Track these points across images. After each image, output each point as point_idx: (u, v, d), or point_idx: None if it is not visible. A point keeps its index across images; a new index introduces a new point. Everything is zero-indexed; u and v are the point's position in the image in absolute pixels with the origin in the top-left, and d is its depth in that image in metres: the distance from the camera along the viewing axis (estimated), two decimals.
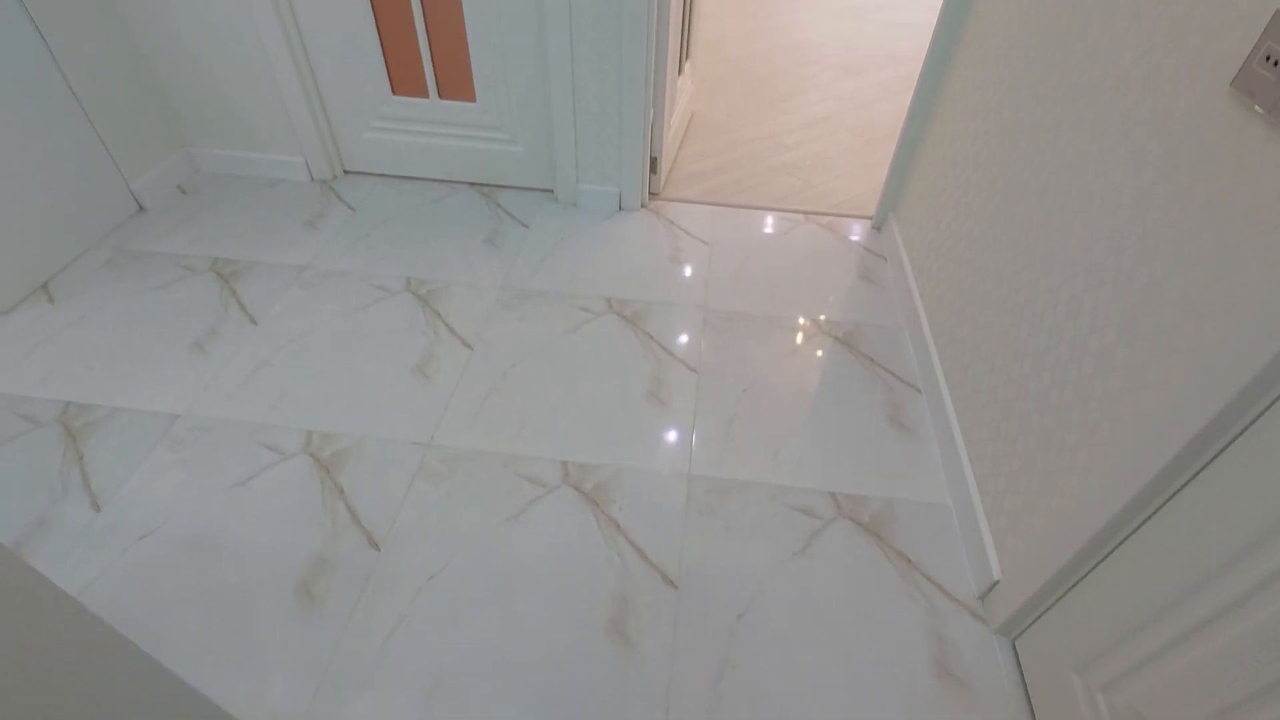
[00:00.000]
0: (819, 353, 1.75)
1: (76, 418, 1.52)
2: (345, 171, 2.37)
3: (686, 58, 2.47)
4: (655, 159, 2.22)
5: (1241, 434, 0.74)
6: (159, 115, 2.17)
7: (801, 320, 1.84)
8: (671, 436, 1.53)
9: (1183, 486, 0.82)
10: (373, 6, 1.96)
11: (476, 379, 1.65)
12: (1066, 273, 1.09)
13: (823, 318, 1.85)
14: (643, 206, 2.26)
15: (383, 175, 2.37)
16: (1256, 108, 0.74)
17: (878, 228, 2.20)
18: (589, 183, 2.21)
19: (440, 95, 2.14)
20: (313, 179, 2.33)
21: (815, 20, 3.84)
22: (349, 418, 1.55)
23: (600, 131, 2.08)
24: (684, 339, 1.77)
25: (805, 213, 2.26)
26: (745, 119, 2.81)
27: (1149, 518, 0.87)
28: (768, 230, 2.18)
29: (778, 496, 1.41)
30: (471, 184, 2.35)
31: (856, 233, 2.18)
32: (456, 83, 2.11)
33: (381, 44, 2.05)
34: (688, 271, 2.00)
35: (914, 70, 3.28)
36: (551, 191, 2.31)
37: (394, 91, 2.15)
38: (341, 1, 1.95)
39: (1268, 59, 0.73)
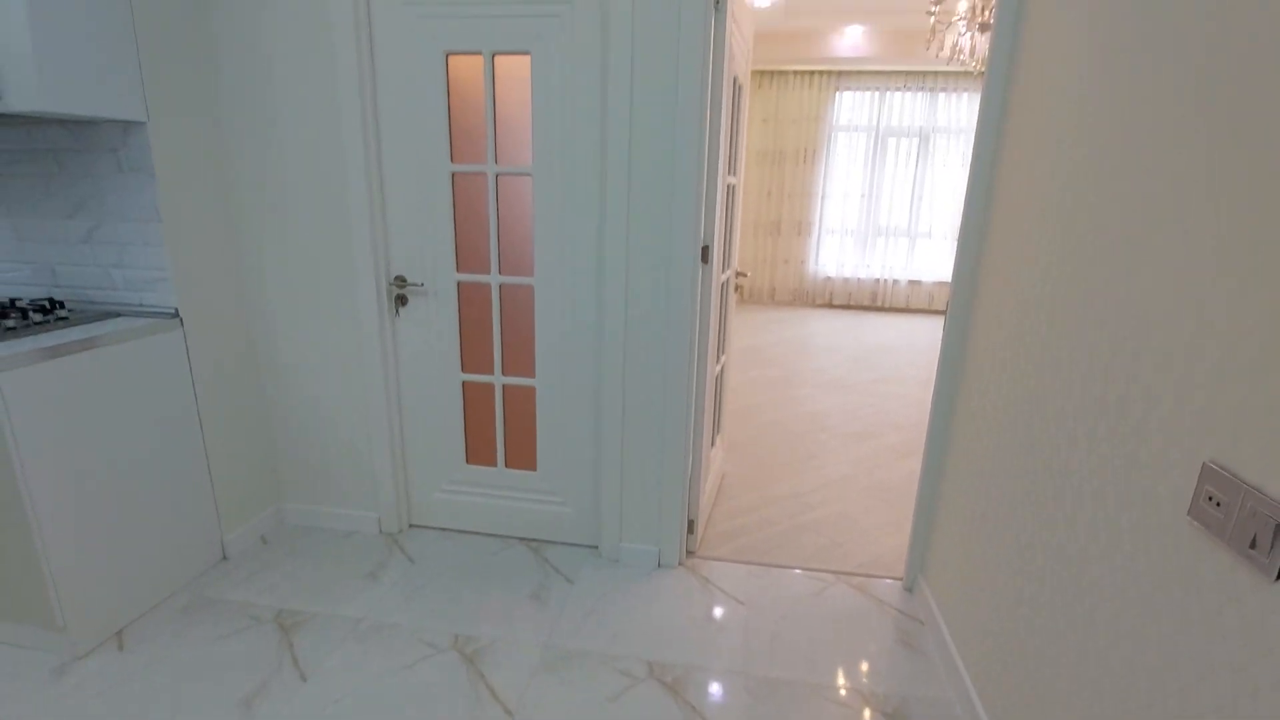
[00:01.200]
0: None
1: None
2: (410, 525, 2.61)
3: (718, 431, 2.88)
4: (692, 520, 2.44)
5: None
6: (265, 472, 2.51)
7: (845, 692, 1.82)
8: None
9: None
10: (463, 392, 2.42)
11: None
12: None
13: (867, 689, 1.83)
14: (680, 565, 2.40)
15: (443, 529, 2.59)
16: (1210, 532, 0.93)
17: (909, 589, 2.29)
18: (631, 541, 2.40)
19: (507, 465, 2.48)
20: (381, 531, 2.55)
21: (821, 394, 4.45)
22: None
23: (643, 495, 2.34)
24: (727, 710, 1.74)
25: (835, 572, 2.38)
26: (770, 480, 3.11)
27: None
28: (802, 590, 2.27)
29: None
30: (523, 539, 2.55)
31: (888, 594, 2.26)
32: (522, 455, 2.46)
33: (465, 424, 2.46)
34: (726, 634, 2.05)
35: (913, 436, 3.69)
36: (596, 548, 2.49)
37: (468, 460, 2.50)
38: (438, 389, 2.42)
39: (1209, 499, 0.94)
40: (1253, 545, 0.85)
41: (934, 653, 1.98)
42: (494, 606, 2.15)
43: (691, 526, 2.45)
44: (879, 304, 7.46)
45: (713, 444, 2.74)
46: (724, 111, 2.10)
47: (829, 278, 7.48)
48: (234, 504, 2.37)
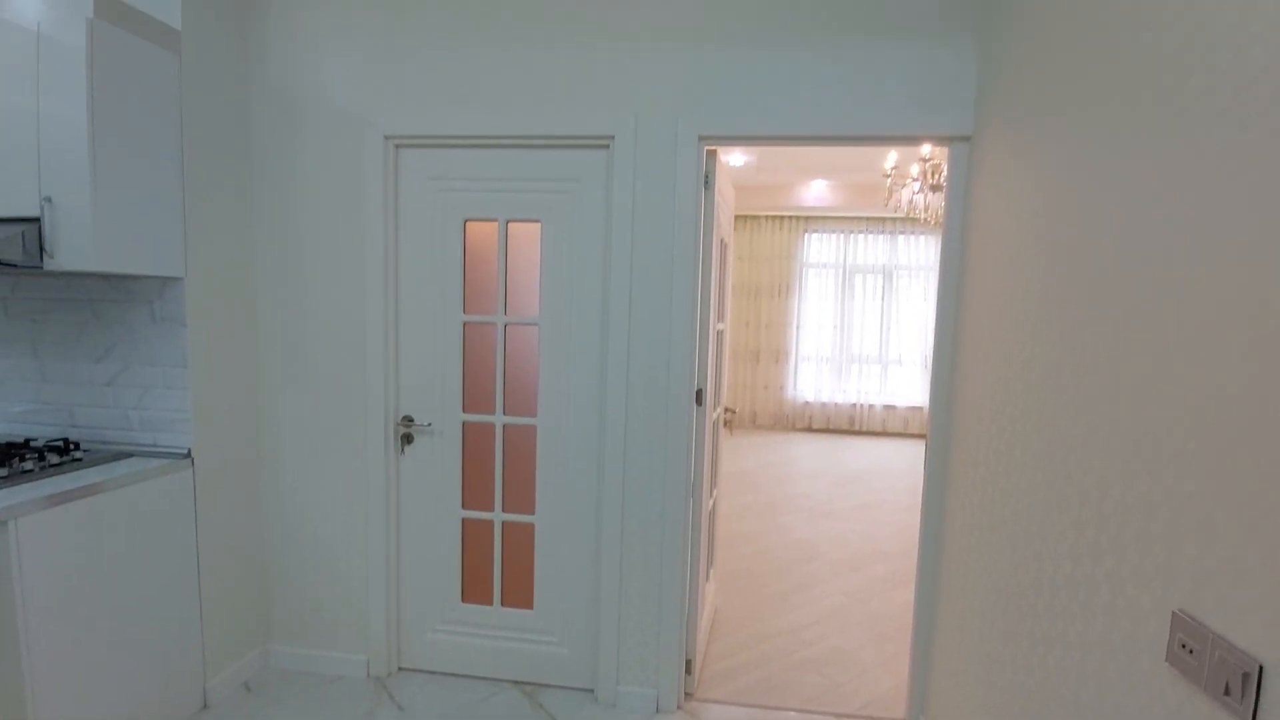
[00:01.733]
0: None
1: None
2: (400, 668, 2.53)
3: (711, 564, 2.90)
4: (690, 660, 2.42)
5: None
6: (255, 613, 2.46)
7: None
8: None
9: None
10: (463, 529, 2.45)
11: None
12: None
13: None
14: (679, 708, 2.35)
15: (434, 673, 2.52)
16: (1186, 678, 1.02)
17: None
18: (628, 684, 2.35)
19: (503, 603, 2.47)
20: (369, 675, 2.47)
21: (807, 521, 4.50)
22: None
23: (641, 634, 2.33)
24: None
25: (837, 715, 2.34)
26: (764, 614, 3.10)
27: None
28: None
29: None
30: (516, 682, 2.48)
31: None
32: (519, 593, 2.46)
33: (463, 561, 2.47)
34: None
35: (903, 565, 3.73)
36: (592, 691, 2.43)
37: (463, 599, 2.48)
38: (438, 526, 2.45)
39: (1182, 646, 1.03)
40: (1226, 692, 0.94)
41: None
42: None
43: (689, 666, 2.42)
44: (856, 428, 7.66)
45: (707, 578, 2.76)
46: (713, 270, 2.33)
47: (807, 402, 7.72)
48: (221, 647, 2.31)
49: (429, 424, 2.41)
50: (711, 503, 2.72)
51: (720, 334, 2.67)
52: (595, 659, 2.41)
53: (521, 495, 2.42)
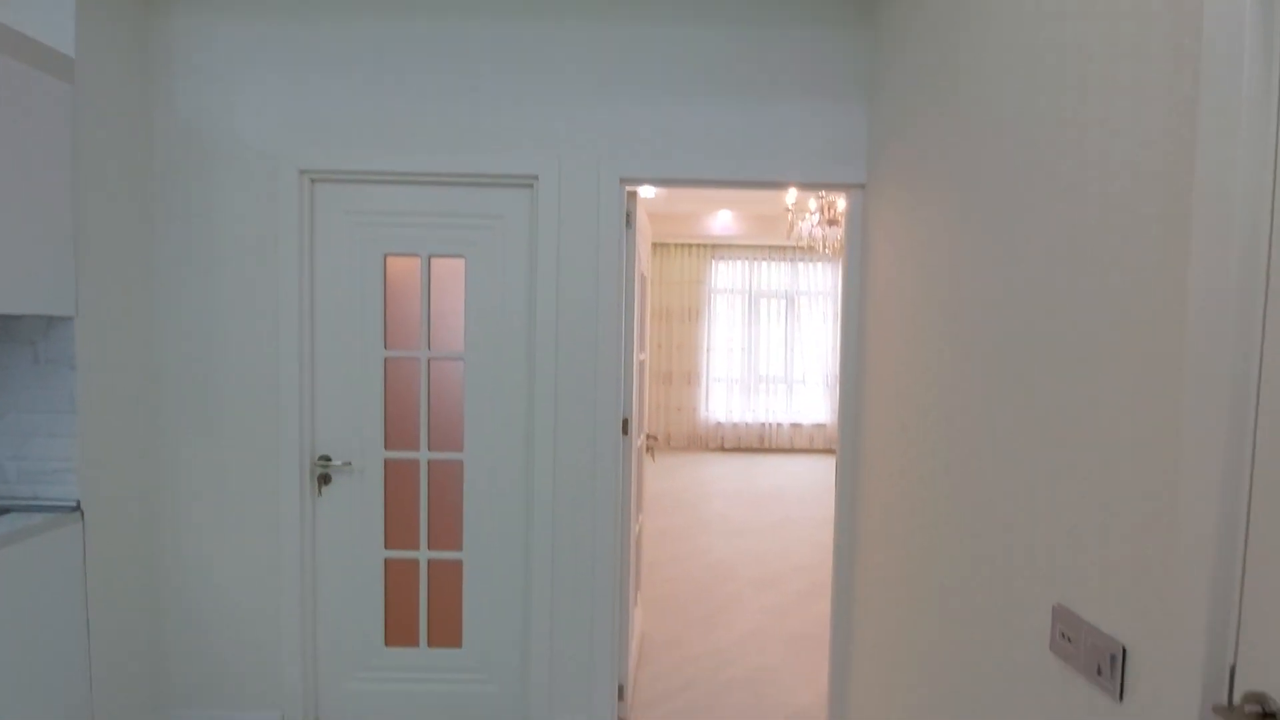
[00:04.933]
0: None
1: None
2: None
3: (638, 588, 2.95)
4: (622, 685, 2.45)
5: None
6: (152, 677, 2.26)
7: None
8: None
9: None
10: (385, 570, 2.38)
11: None
12: None
13: None
14: None
15: None
16: (1068, 664, 1.17)
17: None
18: (561, 713, 2.35)
19: (430, 644, 2.41)
20: None
21: (724, 541, 4.64)
22: None
23: (573, 664, 2.34)
24: None
25: None
26: (688, 637, 3.17)
27: None
28: None
29: None
30: None
31: None
32: (446, 632, 2.41)
33: (386, 603, 2.39)
34: None
35: (818, 579, 3.92)
36: None
37: (387, 643, 2.40)
38: (358, 568, 2.36)
39: (1063, 635, 1.19)
40: (1099, 673, 1.09)
41: None
42: None
43: (622, 692, 2.45)
44: (766, 445, 7.98)
45: (635, 603, 2.80)
46: (635, 303, 2.43)
47: (719, 422, 7.97)
48: (114, 716, 2.11)
49: (348, 463, 2.34)
50: (638, 528, 2.78)
51: (642, 364, 2.76)
52: (526, 693, 2.39)
53: (448, 532, 2.39)
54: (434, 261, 2.32)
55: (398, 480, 2.38)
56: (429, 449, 2.36)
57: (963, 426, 1.54)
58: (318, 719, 2.41)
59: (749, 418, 7.99)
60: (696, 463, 7.27)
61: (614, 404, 2.25)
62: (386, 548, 2.38)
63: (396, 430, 2.36)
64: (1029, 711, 1.28)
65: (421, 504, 2.37)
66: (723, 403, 8.01)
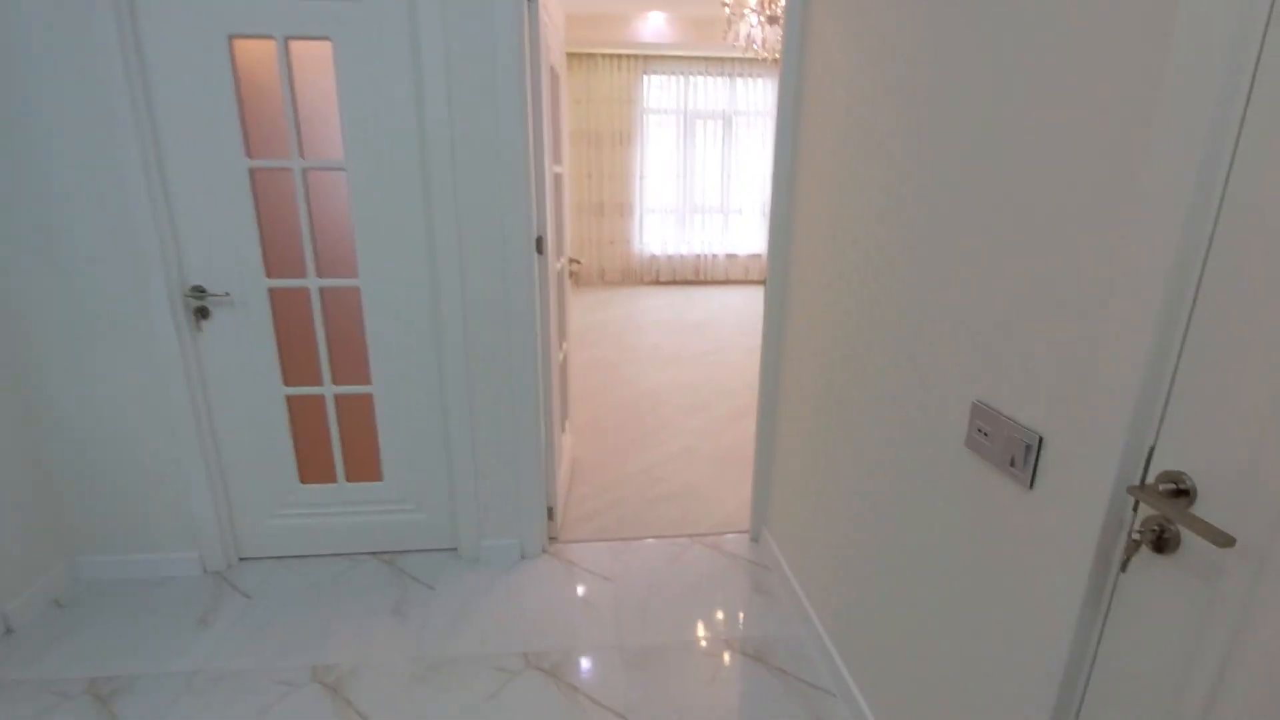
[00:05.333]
0: (737, 674, 1.86)
1: None
2: (241, 559, 2.36)
3: (566, 416, 2.92)
4: (551, 507, 2.48)
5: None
6: (48, 525, 2.13)
7: (713, 644, 1.98)
8: None
9: None
10: (289, 407, 2.23)
11: None
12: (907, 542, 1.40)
13: (730, 637, 2.01)
14: (544, 552, 2.43)
15: (282, 558, 2.38)
16: (982, 458, 1.15)
17: (755, 539, 2.52)
18: (491, 537, 2.38)
19: (348, 479, 2.33)
20: (206, 571, 2.29)
21: (656, 370, 4.67)
22: None
23: (499, 489, 2.33)
24: (608, 685, 1.83)
25: (690, 536, 2.55)
26: (618, 460, 3.23)
27: None
28: (662, 558, 2.41)
29: None
30: (375, 553, 2.42)
31: (738, 547, 2.48)
32: (364, 467, 2.33)
33: (295, 441, 2.26)
34: (598, 611, 2.12)
35: (745, 402, 4.02)
36: (455, 550, 2.43)
37: (302, 480, 2.31)
38: (258, 407, 2.20)
39: (979, 431, 1.16)
40: (1011, 464, 1.07)
41: (781, 593, 2.21)
42: (352, 629, 2.03)
43: (551, 514, 2.48)
44: (701, 278, 7.92)
45: (563, 430, 2.78)
46: (545, 101, 2.11)
47: (654, 255, 7.79)
48: (15, 566, 1.99)
49: (226, 294, 2.08)
50: (562, 355, 2.68)
51: (559, 178, 2.49)
52: (454, 519, 2.39)
53: (353, 365, 2.22)
54: (294, 46, 1.91)
55: (288, 312, 2.14)
56: (318, 275, 2.11)
57: (891, 225, 1.42)
58: (241, 557, 2.37)
59: (684, 250, 7.83)
60: (631, 296, 7.18)
61: (524, 219, 2.02)
62: (286, 384, 2.21)
63: (277, 255, 2.08)
64: (942, 509, 1.28)
65: (319, 337, 2.17)
66: (657, 235, 7.78)
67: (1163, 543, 0.83)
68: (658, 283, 7.86)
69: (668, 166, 7.57)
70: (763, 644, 1.98)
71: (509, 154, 1.96)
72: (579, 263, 2.70)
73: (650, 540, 2.53)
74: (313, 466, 2.32)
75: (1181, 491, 0.80)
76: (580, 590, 2.23)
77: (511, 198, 2.00)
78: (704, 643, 1.99)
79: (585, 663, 1.91)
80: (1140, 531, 0.85)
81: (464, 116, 1.94)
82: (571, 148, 7.26)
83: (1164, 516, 0.82)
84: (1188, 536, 0.81)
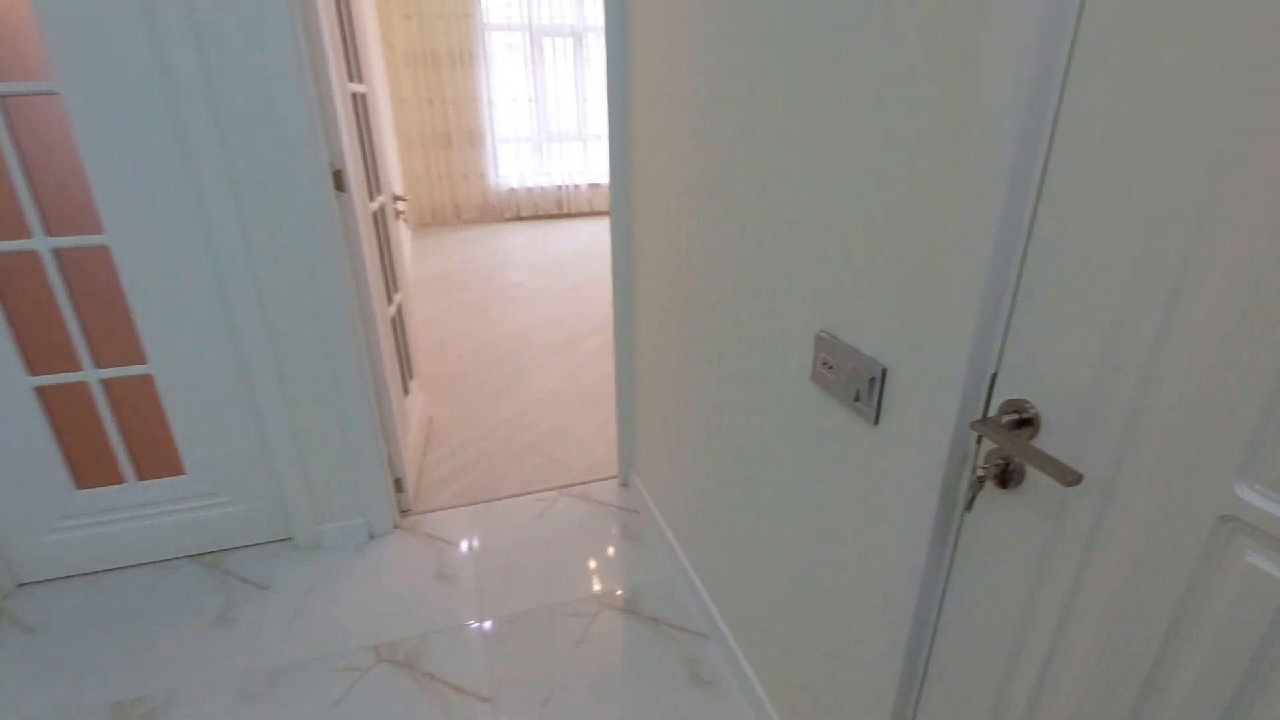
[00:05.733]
0: (608, 630, 1.78)
1: None
2: (19, 585, 1.95)
3: (411, 376, 2.64)
4: (399, 478, 2.24)
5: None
6: None
7: (583, 602, 1.88)
8: None
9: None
10: (42, 401, 1.81)
11: None
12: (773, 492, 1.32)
13: (601, 590, 1.92)
14: (396, 528, 2.21)
15: (71, 577, 2.00)
16: (828, 393, 1.06)
17: (624, 484, 2.42)
18: (330, 520, 2.12)
19: (140, 477, 1.96)
20: None
21: (521, 310, 4.41)
22: None
23: (332, 466, 2.05)
24: (469, 666, 1.68)
25: (557, 488, 2.41)
26: (482, 412, 3.01)
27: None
28: (527, 515, 2.26)
29: None
30: (191, 556, 2.09)
31: (607, 494, 2.38)
32: (160, 461, 1.96)
33: (60, 441, 1.85)
34: (458, 585, 1.95)
35: (613, 338, 3.88)
36: (290, 540, 2.15)
37: (79, 485, 1.91)
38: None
39: (824, 364, 1.06)
40: (857, 399, 0.98)
41: (652, 538, 2.14)
42: (167, 650, 1.74)
43: (400, 484, 2.25)
44: (564, 210, 7.58)
45: (407, 392, 2.51)
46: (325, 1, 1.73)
47: (513, 189, 7.32)
48: None
49: None
50: (394, 308, 2.38)
51: (362, 99, 2.12)
52: (283, 506, 2.10)
53: (119, 342, 1.82)
54: None
55: (15, 285, 1.70)
56: (47, 234, 1.67)
57: (729, 139, 1.26)
58: (20, 584, 1.96)
59: (544, 181, 7.41)
60: (491, 234, 6.74)
61: (312, 149, 1.68)
62: (33, 374, 1.78)
63: None
64: (794, 448, 1.20)
65: (66, 311, 1.74)
66: (514, 166, 7.29)
67: (1008, 476, 0.77)
68: (519, 218, 7.44)
69: (518, 90, 7.03)
70: (635, 594, 1.91)
71: (277, 65, 1.59)
72: (404, 199, 2.37)
73: (514, 499, 2.37)
74: (91, 468, 1.92)
75: (1025, 421, 0.73)
76: (437, 563, 2.04)
77: (291, 122, 1.64)
78: (574, 602, 1.88)
79: (444, 645, 1.74)
80: (984, 467, 0.78)
81: (214, 19, 1.53)
82: (406, 70, 6.52)
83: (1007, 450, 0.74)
84: (1033, 470, 0.74)
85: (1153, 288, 0.58)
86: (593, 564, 2.03)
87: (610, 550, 2.09)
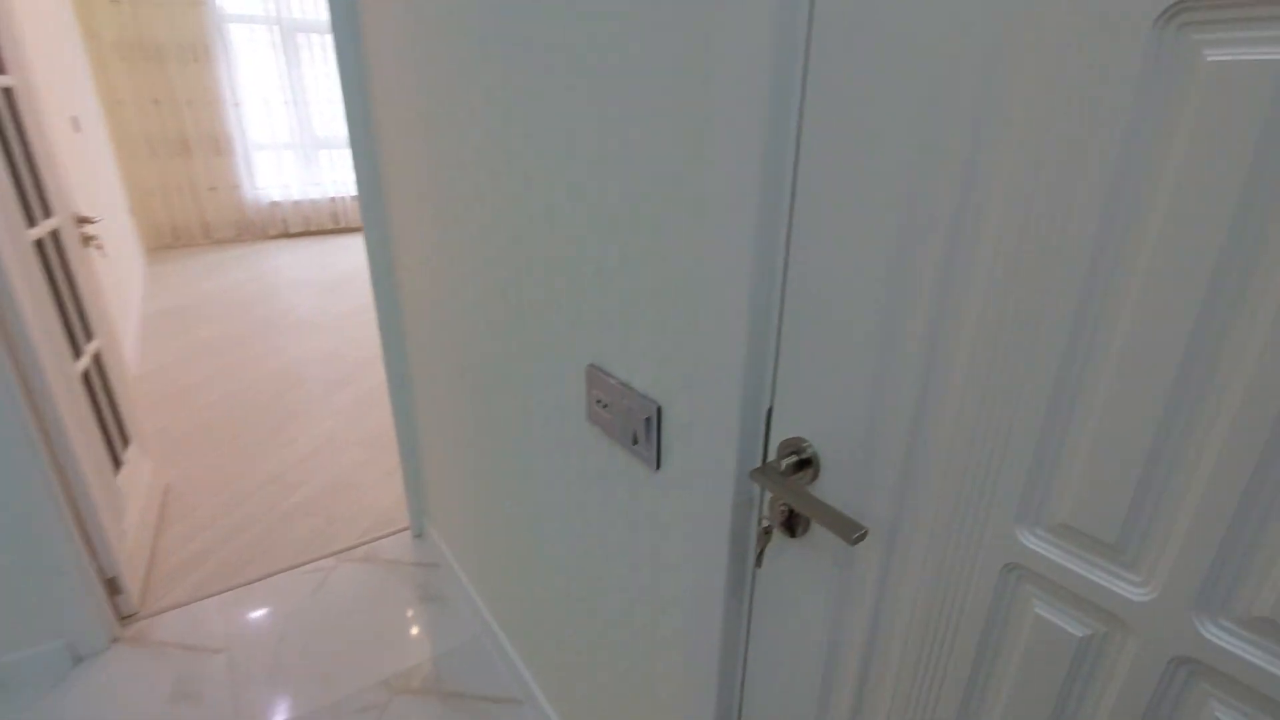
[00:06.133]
0: None
1: None
2: None
3: (126, 442, 2.11)
4: (114, 578, 1.76)
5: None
6: None
7: (369, 690, 1.59)
8: None
9: None
10: None
11: None
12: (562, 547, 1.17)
13: (394, 673, 1.64)
14: (115, 642, 1.73)
15: None
16: (607, 436, 0.93)
17: (419, 535, 2.15)
18: (15, 650, 1.60)
19: None
20: None
21: (291, 342, 3.85)
22: None
23: (11, 582, 1.55)
24: None
25: (336, 554, 2.07)
26: (238, 471, 2.52)
27: None
28: (298, 594, 1.90)
29: None
30: None
31: (400, 550, 2.08)
32: None
33: None
34: (204, 706, 1.56)
35: None
36: None
37: None
38: None
39: (599, 402, 0.93)
40: (635, 441, 0.86)
41: (455, 594, 1.90)
42: None
43: (116, 585, 1.77)
44: (341, 225, 6.86)
45: (120, 464, 2.00)
46: None
47: (276, 202, 6.46)
48: None
49: None
50: (86, 361, 1.86)
51: (7, 91, 1.62)
52: None
53: None
54: None
55: None
56: None
57: (478, 149, 1.09)
58: None
59: (315, 193, 6.64)
60: (253, 255, 5.88)
61: None
62: None
63: None
64: (576, 496, 1.06)
65: None
66: (275, 177, 6.44)
67: (795, 523, 0.68)
68: (287, 235, 6.58)
69: (272, 91, 6.21)
70: (437, 666, 1.66)
71: None
72: (91, 221, 1.85)
73: (281, 575, 1.98)
74: None
75: (805, 462, 0.65)
76: (175, 681, 1.62)
77: None
78: (358, 695, 1.59)
79: None
80: (769, 517, 0.69)
81: None
82: (117, 64, 5.43)
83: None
84: None
85: (910, 316, 0.51)
86: (385, 640, 1.74)
87: (406, 618, 1.82)
